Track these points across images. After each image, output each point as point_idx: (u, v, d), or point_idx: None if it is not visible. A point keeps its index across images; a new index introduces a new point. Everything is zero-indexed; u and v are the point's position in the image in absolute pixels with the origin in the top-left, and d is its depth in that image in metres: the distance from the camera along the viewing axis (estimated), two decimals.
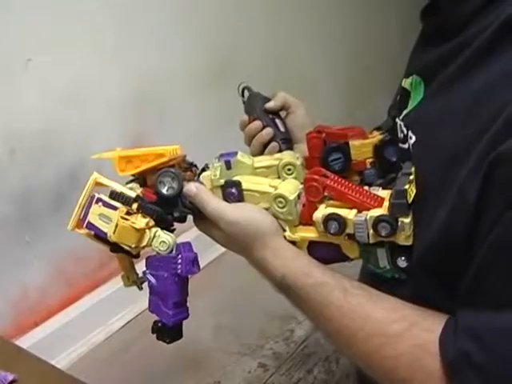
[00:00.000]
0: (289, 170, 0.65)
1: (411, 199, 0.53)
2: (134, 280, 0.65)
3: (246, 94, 0.83)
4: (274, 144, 0.75)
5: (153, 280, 0.59)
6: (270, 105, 0.79)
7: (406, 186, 0.52)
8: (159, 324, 0.60)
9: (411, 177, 0.53)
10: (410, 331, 0.49)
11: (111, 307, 1.23)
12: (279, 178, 0.66)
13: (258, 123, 0.77)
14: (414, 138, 0.57)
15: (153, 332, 0.61)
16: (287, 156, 0.66)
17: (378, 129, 0.67)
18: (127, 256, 0.63)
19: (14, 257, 1.09)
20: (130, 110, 1.26)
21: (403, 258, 0.56)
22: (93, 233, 0.60)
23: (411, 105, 0.61)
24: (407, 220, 0.53)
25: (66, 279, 1.21)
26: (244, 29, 1.47)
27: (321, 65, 1.76)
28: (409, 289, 0.57)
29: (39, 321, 1.17)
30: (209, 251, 1.25)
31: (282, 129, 0.76)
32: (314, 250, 0.61)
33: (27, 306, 1.15)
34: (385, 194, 0.58)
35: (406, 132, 0.59)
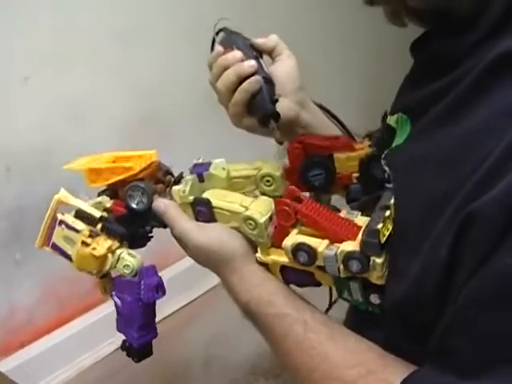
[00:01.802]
0: (267, 181, 0.61)
1: (385, 238, 0.48)
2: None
3: (223, 35, 0.69)
4: (255, 78, 0.60)
5: (118, 302, 0.58)
6: (261, 41, 0.67)
7: (379, 226, 0.47)
8: (127, 343, 0.59)
9: (387, 213, 0.48)
10: (365, 379, 0.46)
11: (102, 331, 1.12)
12: (257, 188, 0.61)
13: (237, 53, 0.62)
14: (395, 179, 0.51)
15: (122, 350, 0.60)
16: (266, 166, 0.61)
17: (367, 136, 0.60)
18: None
19: (2, 275, 1.06)
20: (132, 130, 1.20)
21: (376, 295, 0.51)
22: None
23: (396, 142, 0.55)
24: (379, 260, 0.48)
25: (57, 300, 1.16)
26: None
27: (341, 84, 1.68)
28: (376, 331, 0.53)
29: (25, 342, 1.12)
30: (205, 280, 1.12)
31: (266, 69, 0.64)
32: (288, 273, 0.58)
33: (14, 326, 1.10)
34: (361, 221, 0.52)
35: (388, 171, 0.53)
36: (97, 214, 0.58)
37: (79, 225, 0.57)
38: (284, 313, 0.52)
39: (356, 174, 0.58)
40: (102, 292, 0.64)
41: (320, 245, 0.51)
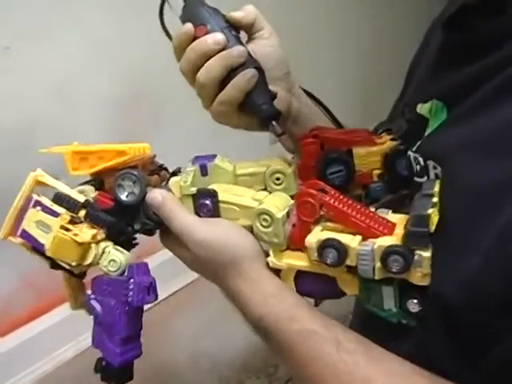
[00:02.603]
0: (277, 179, 0.54)
1: (434, 227, 0.41)
2: (83, 303, 0.53)
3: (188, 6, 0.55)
4: (251, 73, 0.51)
5: (98, 307, 0.47)
6: (238, 15, 0.54)
7: (430, 211, 0.41)
8: (103, 362, 0.47)
9: (434, 199, 0.42)
10: None
11: (82, 322, 1.07)
12: (265, 189, 0.54)
13: (219, 36, 0.51)
14: (439, 169, 0.46)
15: (96, 371, 0.48)
16: (276, 162, 0.54)
17: (386, 130, 0.56)
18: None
19: None
20: (123, 108, 1.13)
21: (415, 300, 0.44)
22: (29, 244, 0.48)
23: (429, 132, 0.50)
24: (427, 254, 0.41)
25: (35, 290, 1.07)
26: None
27: (331, 63, 1.64)
28: (412, 341, 0.46)
29: (2, 333, 1.03)
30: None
31: (252, 54, 0.53)
32: (303, 281, 0.50)
33: None
34: (396, 218, 0.46)
35: (422, 163, 0.48)
36: (80, 198, 0.48)
37: (58, 208, 0.47)
38: (312, 330, 0.44)
39: (377, 171, 0.53)
40: (72, 305, 0.53)
41: (352, 240, 0.44)
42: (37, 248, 0.47)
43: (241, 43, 0.53)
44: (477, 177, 0.40)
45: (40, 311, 1.08)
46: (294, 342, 0.45)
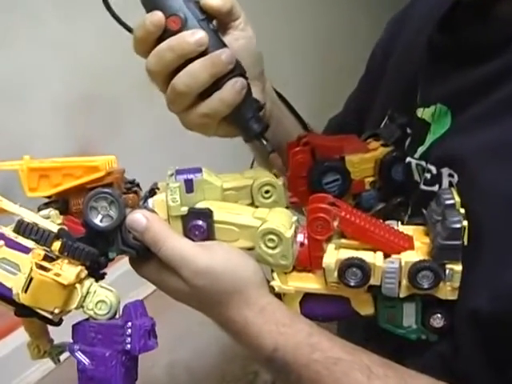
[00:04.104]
0: (266, 192, 0.48)
1: (466, 240, 0.40)
2: (46, 350, 0.43)
3: None
4: (240, 84, 0.45)
5: (85, 360, 0.38)
6: (217, 3, 0.45)
7: (465, 223, 0.39)
8: None
9: (462, 210, 0.41)
10: None
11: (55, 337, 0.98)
12: (252, 203, 0.49)
13: (202, 35, 0.43)
14: (456, 177, 0.44)
15: None
16: (263, 174, 0.49)
17: (374, 136, 0.54)
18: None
19: None
20: (77, 112, 1.03)
21: (439, 315, 0.43)
22: None
23: (430, 139, 0.49)
24: (458, 268, 0.40)
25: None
26: None
27: (290, 64, 1.59)
28: (432, 355, 0.44)
29: None
30: None
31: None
32: (311, 305, 0.46)
33: None
34: (409, 230, 0.44)
35: (434, 171, 0.46)
36: (53, 226, 0.39)
37: (27, 242, 0.37)
38: (335, 358, 0.40)
39: (369, 179, 0.51)
40: (34, 355, 0.43)
41: (375, 258, 0.41)
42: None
43: (223, 42, 0.46)
44: (506, 185, 0.40)
45: (4, 332, 1.02)
46: (317, 373, 0.40)
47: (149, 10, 0.45)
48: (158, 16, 0.43)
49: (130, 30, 0.47)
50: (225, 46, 0.46)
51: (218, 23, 0.47)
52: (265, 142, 0.48)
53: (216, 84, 0.45)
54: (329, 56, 1.82)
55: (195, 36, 0.43)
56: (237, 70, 0.46)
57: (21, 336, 0.94)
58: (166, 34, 0.44)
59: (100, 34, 1.02)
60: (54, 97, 1.00)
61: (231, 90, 0.44)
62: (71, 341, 0.40)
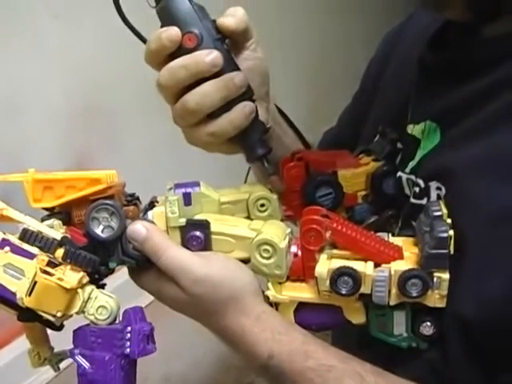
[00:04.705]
0: (262, 205, 0.50)
1: (452, 249, 0.42)
2: (47, 357, 0.44)
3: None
4: (250, 108, 0.46)
5: (85, 364, 0.39)
6: (230, 22, 0.46)
7: (451, 232, 0.41)
8: None
9: (449, 220, 0.43)
10: None
11: None
12: (248, 216, 0.51)
13: (217, 56, 0.44)
14: (443, 190, 0.46)
15: None
16: (258, 188, 0.51)
17: (365, 152, 0.56)
18: (40, 325, 0.42)
19: None
20: (75, 123, 1.03)
21: (429, 323, 0.44)
22: None
23: (420, 154, 0.51)
24: (446, 275, 0.42)
25: None
26: None
27: (284, 78, 1.54)
28: (421, 363, 0.45)
29: None
30: None
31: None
32: (304, 314, 0.47)
33: None
34: (399, 241, 0.46)
35: (422, 185, 0.48)
36: (56, 234, 0.41)
37: (32, 248, 0.39)
38: (329, 365, 0.42)
39: (361, 193, 0.53)
40: (34, 362, 0.44)
41: (366, 267, 0.43)
42: (3, 296, 0.39)
43: (235, 64, 0.47)
44: (492, 199, 0.42)
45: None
46: (311, 380, 0.42)
47: (165, 23, 0.46)
48: (175, 32, 0.44)
49: (144, 40, 0.48)
50: (237, 67, 0.47)
51: (231, 42, 0.48)
52: (266, 165, 0.50)
53: (226, 105, 0.46)
54: (323, 70, 1.84)
55: (210, 56, 0.44)
56: (247, 93, 0.47)
57: (19, 346, 0.95)
58: (180, 50, 0.45)
59: (99, 46, 1.03)
60: (52, 109, 1.01)
61: (240, 113, 0.46)
62: (71, 347, 0.41)
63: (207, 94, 0.45)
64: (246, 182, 0.57)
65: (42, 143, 0.99)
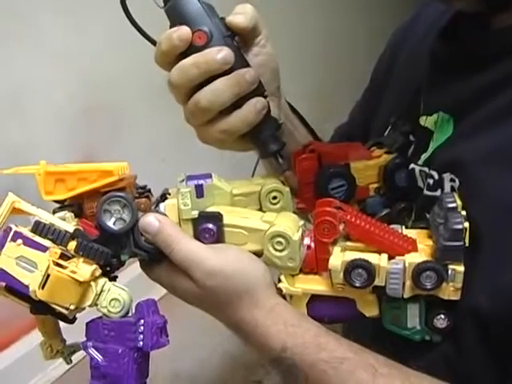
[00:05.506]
0: (274, 198, 0.50)
1: (467, 241, 0.41)
2: (59, 350, 0.44)
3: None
4: (262, 104, 0.46)
5: (98, 357, 0.39)
6: (242, 21, 0.46)
7: (466, 224, 0.40)
8: None
9: (463, 212, 0.42)
10: None
11: None
12: (260, 209, 0.50)
13: (228, 53, 0.44)
14: (457, 182, 0.46)
15: None
16: (271, 180, 0.51)
17: (377, 145, 0.55)
18: (53, 317, 0.42)
19: None
20: (80, 120, 1.02)
21: (443, 315, 0.44)
22: (4, 284, 0.39)
23: (433, 146, 0.50)
24: (461, 268, 0.41)
25: None
26: None
27: (289, 76, 1.60)
28: (434, 355, 0.45)
29: None
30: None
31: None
32: (317, 307, 0.47)
33: None
34: (413, 233, 0.46)
35: (436, 177, 0.48)
36: (69, 227, 0.40)
37: (44, 241, 0.39)
38: (342, 357, 0.41)
39: (373, 185, 0.52)
40: (47, 355, 0.44)
41: (380, 260, 0.43)
42: (16, 289, 0.38)
43: (246, 60, 0.47)
44: (506, 190, 0.41)
45: (4, 344, 0.96)
46: (324, 372, 0.41)
47: (174, 22, 0.45)
48: (185, 31, 0.44)
49: (154, 42, 0.47)
50: (247, 63, 0.47)
51: (240, 39, 0.48)
52: (281, 161, 0.49)
53: (237, 102, 0.46)
54: (327, 68, 1.83)
55: (221, 54, 0.44)
56: (258, 89, 0.47)
57: (22, 347, 0.96)
58: (190, 48, 0.45)
59: (102, 45, 1.03)
60: (57, 107, 1.01)
61: (252, 109, 0.46)
62: (84, 340, 0.41)
63: (219, 91, 0.44)
64: (253, 176, 0.57)
65: (48, 141, 0.98)
